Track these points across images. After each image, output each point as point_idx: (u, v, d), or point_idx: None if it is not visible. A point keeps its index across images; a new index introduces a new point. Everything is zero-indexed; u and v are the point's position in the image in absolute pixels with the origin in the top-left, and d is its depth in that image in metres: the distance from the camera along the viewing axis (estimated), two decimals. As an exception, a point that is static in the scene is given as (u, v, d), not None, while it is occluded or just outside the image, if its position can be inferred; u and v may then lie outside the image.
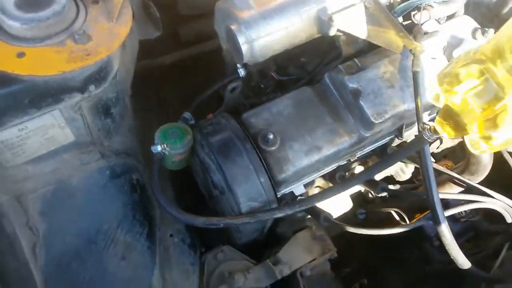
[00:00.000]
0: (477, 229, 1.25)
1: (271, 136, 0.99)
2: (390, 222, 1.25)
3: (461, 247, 1.24)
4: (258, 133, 1.01)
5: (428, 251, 1.25)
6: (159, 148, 1.04)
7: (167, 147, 1.04)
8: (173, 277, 1.17)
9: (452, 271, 1.09)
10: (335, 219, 1.15)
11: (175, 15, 1.53)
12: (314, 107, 1.07)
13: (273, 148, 1.00)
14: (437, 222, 0.95)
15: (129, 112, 1.19)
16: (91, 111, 1.03)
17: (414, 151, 0.96)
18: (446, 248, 0.99)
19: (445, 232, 0.97)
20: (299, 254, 1.20)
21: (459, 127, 0.77)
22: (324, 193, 0.99)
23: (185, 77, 1.52)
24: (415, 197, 1.23)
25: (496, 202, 1.09)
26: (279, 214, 0.97)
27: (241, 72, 1.18)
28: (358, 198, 1.35)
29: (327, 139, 1.03)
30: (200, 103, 1.19)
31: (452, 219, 1.24)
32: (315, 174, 1.08)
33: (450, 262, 1.06)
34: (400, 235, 1.33)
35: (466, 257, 1.07)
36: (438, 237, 1.19)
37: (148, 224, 1.14)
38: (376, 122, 1.01)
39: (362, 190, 1.35)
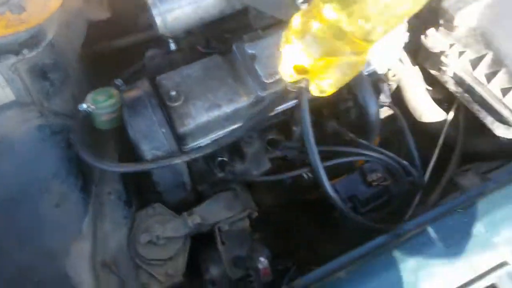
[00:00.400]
0: (390, 193, 1.32)
1: (173, 93, 1.13)
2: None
3: (377, 209, 1.34)
4: (166, 92, 1.15)
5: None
6: (84, 106, 1.20)
7: (92, 105, 1.20)
8: (105, 227, 1.29)
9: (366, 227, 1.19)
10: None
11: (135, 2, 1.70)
12: (220, 72, 1.20)
13: (176, 104, 1.14)
14: (314, 166, 1.05)
15: (72, 81, 1.35)
16: (29, 74, 1.21)
17: (290, 100, 1.08)
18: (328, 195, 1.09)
19: (322, 178, 1.06)
20: (219, 210, 1.31)
21: (301, 70, 0.88)
22: (217, 141, 1.12)
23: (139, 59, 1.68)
24: None
25: (382, 158, 1.19)
26: (177, 160, 1.10)
27: (172, 46, 1.34)
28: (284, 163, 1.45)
29: (228, 98, 1.16)
30: (133, 72, 1.35)
31: (365, 184, 1.32)
32: (221, 131, 1.20)
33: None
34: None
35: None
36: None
37: (83, 179, 1.28)
38: (267, 82, 1.13)
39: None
